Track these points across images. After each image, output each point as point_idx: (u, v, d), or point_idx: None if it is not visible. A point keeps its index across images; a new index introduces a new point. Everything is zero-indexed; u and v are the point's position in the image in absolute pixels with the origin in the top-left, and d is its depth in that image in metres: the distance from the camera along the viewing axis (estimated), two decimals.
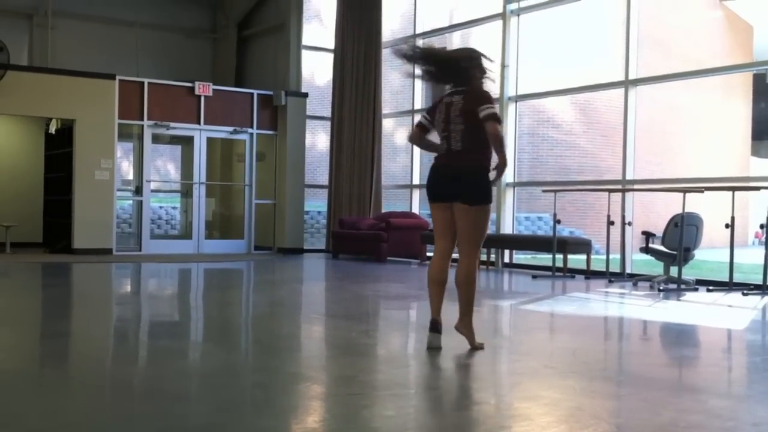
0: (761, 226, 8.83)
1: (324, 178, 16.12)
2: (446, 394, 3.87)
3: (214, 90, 14.23)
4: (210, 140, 14.52)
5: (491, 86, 5.00)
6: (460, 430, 3.22)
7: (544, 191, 13.50)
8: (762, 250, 8.69)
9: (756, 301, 7.99)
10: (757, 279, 8.85)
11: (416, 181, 14.38)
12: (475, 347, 4.74)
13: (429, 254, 13.28)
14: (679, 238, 8.91)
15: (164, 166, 20.00)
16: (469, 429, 3.24)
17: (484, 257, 11.79)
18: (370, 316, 7.17)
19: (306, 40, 15.33)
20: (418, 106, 14.63)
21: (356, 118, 14.33)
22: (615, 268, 10.32)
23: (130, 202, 15.07)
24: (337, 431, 3.17)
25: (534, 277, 10.49)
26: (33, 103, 13.02)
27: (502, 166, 4.67)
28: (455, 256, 4.81)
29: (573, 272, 10.69)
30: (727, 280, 8.93)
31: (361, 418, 3.34)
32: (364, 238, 13.09)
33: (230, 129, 14.42)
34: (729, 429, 3.25)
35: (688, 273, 9.68)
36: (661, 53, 17.53)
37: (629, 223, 10.35)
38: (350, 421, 3.30)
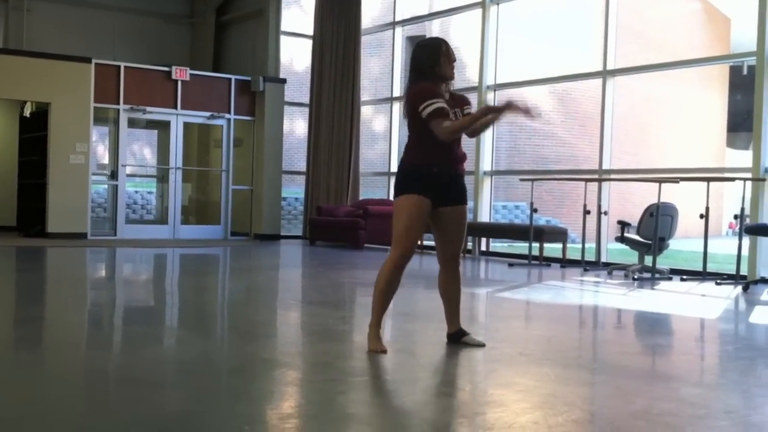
0: (735, 217, 8.92)
1: (302, 165, 16.06)
2: (422, 380, 3.88)
3: (191, 75, 14.10)
4: (187, 125, 14.41)
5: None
6: (436, 417, 3.23)
7: (521, 180, 13.51)
8: (735, 241, 8.78)
9: (729, 290, 8.08)
10: (731, 269, 8.95)
11: (394, 168, 14.36)
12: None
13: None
14: (654, 227, 8.98)
15: (140, 150, 19.85)
16: (445, 415, 3.25)
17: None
18: (347, 302, 7.17)
19: (285, 25, 15.25)
20: (396, 93, 14.60)
21: (335, 104, 14.29)
22: (590, 257, 10.39)
23: (106, 186, 14.94)
24: (312, 417, 3.17)
25: (510, 265, 10.54)
26: (8, 85, 12.84)
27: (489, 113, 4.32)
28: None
29: (549, 261, 10.75)
30: (700, 269, 9.03)
31: (337, 404, 3.34)
32: (342, 225, 13.07)
33: (207, 114, 14.32)
34: (701, 417, 3.28)
35: (663, 262, 9.77)
36: (639, 45, 17.63)
37: (605, 213, 10.43)
38: (326, 407, 3.30)
